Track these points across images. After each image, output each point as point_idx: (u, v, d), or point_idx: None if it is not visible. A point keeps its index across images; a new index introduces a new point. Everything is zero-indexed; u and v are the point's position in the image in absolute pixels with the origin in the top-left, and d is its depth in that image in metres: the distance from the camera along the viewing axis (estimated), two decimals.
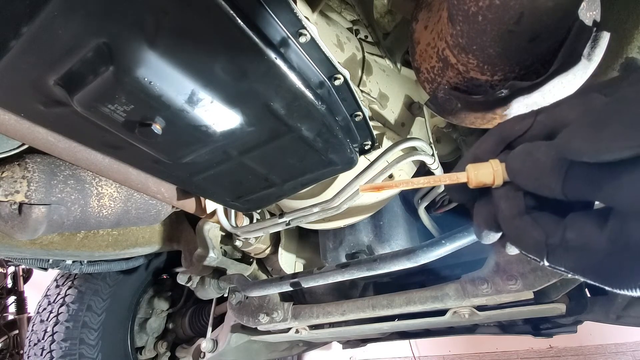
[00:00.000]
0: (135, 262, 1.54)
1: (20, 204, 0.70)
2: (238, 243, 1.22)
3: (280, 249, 1.27)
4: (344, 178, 0.90)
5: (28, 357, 1.54)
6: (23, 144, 0.71)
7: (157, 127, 0.53)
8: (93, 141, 0.65)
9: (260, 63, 0.48)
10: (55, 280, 1.70)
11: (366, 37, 1.01)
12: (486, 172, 0.33)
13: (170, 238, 1.33)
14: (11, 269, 3.16)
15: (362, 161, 0.81)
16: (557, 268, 0.28)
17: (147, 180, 0.82)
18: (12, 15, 0.41)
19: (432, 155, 0.82)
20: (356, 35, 0.97)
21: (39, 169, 0.73)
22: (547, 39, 0.50)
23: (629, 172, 0.23)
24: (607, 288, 0.26)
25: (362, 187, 0.37)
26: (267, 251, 1.34)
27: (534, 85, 0.54)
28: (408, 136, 0.95)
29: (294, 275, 0.98)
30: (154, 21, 0.42)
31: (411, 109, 1.00)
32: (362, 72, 0.90)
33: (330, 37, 0.85)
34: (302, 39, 0.48)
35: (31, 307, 3.08)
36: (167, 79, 0.49)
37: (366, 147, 0.73)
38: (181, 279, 1.23)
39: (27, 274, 3.25)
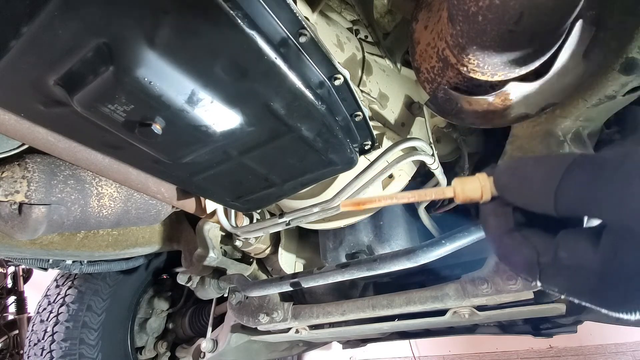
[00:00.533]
0: (135, 262, 1.54)
1: (20, 204, 0.70)
2: (238, 243, 1.22)
3: (280, 249, 1.27)
4: (344, 178, 0.90)
5: (28, 357, 1.54)
6: (23, 144, 0.71)
7: (157, 127, 0.53)
8: (93, 141, 0.65)
9: (260, 63, 0.48)
10: (55, 280, 1.70)
11: (366, 37, 1.01)
12: (473, 187, 0.31)
13: (170, 238, 1.33)
14: (11, 269, 3.16)
15: (362, 161, 0.81)
16: (550, 289, 0.27)
17: (147, 180, 0.82)
18: (12, 15, 0.41)
19: (432, 155, 0.82)
20: (356, 35, 0.97)
21: (39, 169, 0.73)
22: (547, 39, 0.50)
23: (627, 185, 0.22)
24: (603, 311, 0.24)
25: (343, 203, 0.35)
26: (267, 251, 1.34)
27: (534, 86, 0.54)
28: (408, 136, 0.95)
29: (294, 275, 0.98)
30: (154, 21, 0.42)
31: (411, 109, 1.00)
32: (362, 72, 0.90)
33: (330, 37, 0.85)
34: (302, 39, 0.48)
35: (31, 307, 3.08)
36: (167, 79, 0.49)
37: (366, 147, 0.73)
38: (181, 279, 1.23)
39: (27, 274, 3.25)
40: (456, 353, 3.28)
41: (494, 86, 0.60)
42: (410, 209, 1.15)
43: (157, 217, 1.00)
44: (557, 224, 0.27)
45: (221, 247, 1.26)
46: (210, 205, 1.00)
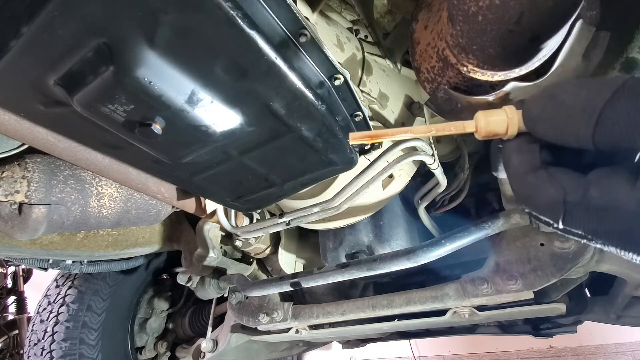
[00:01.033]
0: (135, 262, 1.54)
1: (20, 204, 0.70)
2: (238, 243, 1.22)
3: (280, 249, 1.27)
4: (344, 178, 0.90)
5: (28, 357, 1.54)
6: (23, 144, 0.71)
7: (157, 127, 0.53)
8: (93, 141, 0.65)
9: (260, 63, 0.48)
10: (55, 280, 1.70)
11: (366, 37, 1.01)
12: (498, 120, 0.28)
13: (170, 238, 1.33)
14: (11, 269, 3.16)
15: (362, 161, 0.81)
16: (573, 232, 0.24)
17: (147, 180, 0.82)
18: (12, 15, 0.41)
19: (432, 155, 0.82)
20: (356, 35, 0.97)
21: (39, 169, 0.73)
22: (547, 39, 0.50)
23: None
24: (629, 255, 0.22)
25: (352, 136, 0.31)
26: (267, 251, 1.34)
27: (534, 86, 0.54)
28: None
29: (294, 275, 0.98)
30: (153, 21, 0.42)
31: (411, 109, 1.00)
32: (362, 72, 0.90)
33: (330, 37, 0.85)
34: (302, 39, 0.48)
35: (31, 307, 3.08)
36: (167, 79, 0.49)
37: (366, 147, 0.73)
38: (181, 279, 1.23)
39: (27, 274, 3.26)
40: (456, 353, 3.28)
41: (494, 86, 0.60)
42: (410, 209, 1.15)
43: (157, 217, 1.00)
44: (588, 166, 0.25)
45: (221, 247, 1.26)
46: (210, 205, 1.00)
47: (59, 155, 0.68)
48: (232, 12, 0.42)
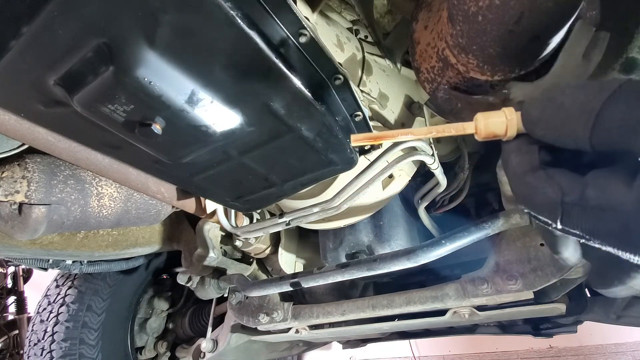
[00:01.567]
0: (135, 262, 1.54)
1: (20, 204, 0.70)
2: (238, 243, 1.22)
3: (280, 249, 1.27)
4: (344, 178, 0.90)
5: (28, 357, 1.54)
6: (23, 144, 0.71)
7: (157, 127, 0.53)
8: (93, 141, 0.65)
9: (260, 63, 0.48)
10: (55, 280, 1.70)
11: (366, 37, 1.01)
12: (498, 122, 0.28)
13: (170, 238, 1.33)
14: (11, 269, 3.16)
15: (362, 161, 0.81)
16: (571, 232, 0.24)
17: (147, 180, 0.82)
18: (12, 15, 0.41)
19: (432, 155, 0.82)
20: (356, 35, 0.97)
21: (39, 169, 0.73)
22: (547, 39, 0.50)
23: None
24: (626, 255, 0.22)
25: (354, 138, 0.32)
26: (267, 251, 1.34)
27: (534, 86, 0.54)
28: None
29: (294, 275, 0.98)
30: (153, 21, 0.42)
31: (411, 109, 1.00)
32: (362, 72, 0.90)
33: (330, 37, 0.85)
34: (302, 39, 0.48)
35: (31, 307, 3.08)
36: (167, 79, 0.49)
37: (366, 147, 0.73)
38: (181, 279, 1.23)
39: (27, 274, 3.26)
40: (456, 353, 3.28)
41: (494, 86, 0.60)
42: (410, 209, 1.15)
43: (157, 217, 1.00)
44: (586, 167, 0.25)
45: (221, 247, 1.26)
46: (210, 205, 1.00)
47: (59, 155, 0.68)
48: (232, 12, 0.42)
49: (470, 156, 1.12)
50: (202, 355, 1.39)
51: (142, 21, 0.42)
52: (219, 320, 1.44)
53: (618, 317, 1.13)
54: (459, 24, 0.54)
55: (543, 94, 0.27)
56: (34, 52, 0.45)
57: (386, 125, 0.92)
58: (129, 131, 0.55)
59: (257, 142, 0.64)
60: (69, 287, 1.60)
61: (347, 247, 1.09)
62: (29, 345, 1.55)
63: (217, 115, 0.56)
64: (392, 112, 0.94)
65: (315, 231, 1.20)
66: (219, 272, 1.26)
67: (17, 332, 3.05)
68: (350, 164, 0.74)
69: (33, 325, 1.59)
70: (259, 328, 1.19)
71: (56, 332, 1.50)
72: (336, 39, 0.86)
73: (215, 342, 1.35)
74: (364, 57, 0.91)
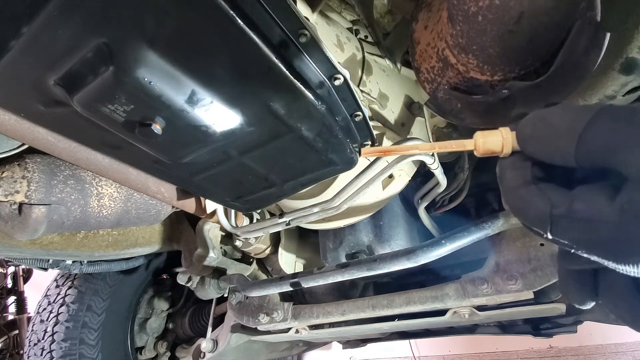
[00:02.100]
0: (135, 262, 1.54)
1: (20, 204, 0.70)
2: (238, 243, 1.22)
3: (280, 249, 1.27)
4: (344, 178, 0.90)
5: (28, 357, 1.54)
6: (23, 144, 0.71)
7: (157, 127, 0.53)
8: (93, 141, 0.65)
9: (260, 63, 0.48)
10: (55, 280, 1.70)
11: (366, 37, 1.01)
12: (495, 140, 0.31)
13: (170, 238, 1.33)
14: (11, 269, 3.16)
15: (362, 161, 0.81)
16: (560, 241, 0.26)
17: (147, 180, 0.82)
18: (12, 15, 0.41)
19: (432, 155, 0.82)
20: (356, 35, 0.97)
21: (39, 169, 0.73)
22: (547, 39, 0.50)
23: None
24: (611, 264, 0.24)
25: (364, 151, 0.36)
26: (267, 251, 1.34)
27: (534, 85, 0.54)
28: (408, 136, 0.95)
29: (294, 275, 0.98)
30: (154, 21, 0.42)
31: (411, 109, 1.00)
32: (362, 72, 0.90)
33: (330, 37, 0.85)
34: (302, 39, 0.48)
35: (31, 307, 3.08)
36: (167, 79, 0.49)
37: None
38: (181, 279, 1.23)
39: (27, 274, 3.26)
40: (456, 353, 3.28)
41: (494, 86, 0.60)
42: (410, 209, 1.15)
43: (157, 217, 1.00)
44: (575, 182, 0.27)
45: (221, 247, 1.26)
46: (210, 205, 1.00)
47: (59, 155, 0.68)
48: (232, 12, 0.42)
49: (470, 156, 1.12)
50: (202, 355, 1.39)
51: (142, 21, 0.42)
52: (219, 320, 1.44)
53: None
54: (459, 24, 0.54)
55: (535, 115, 0.29)
56: (34, 52, 0.45)
57: (386, 125, 0.92)
58: (129, 131, 0.55)
59: (257, 142, 0.64)
60: (69, 287, 1.60)
61: (347, 247, 1.09)
62: (29, 345, 1.55)
63: (217, 115, 0.56)
64: (392, 112, 0.94)
65: (315, 231, 1.20)
66: (219, 272, 1.26)
67: (17, 332, 3.05)
68: (350, 164, 0.74)
69: (33, 325, 1.59)
70: (259, 328, 1.19)
71: (56, 332, 1.50)
72: (336, 39, 0.86)
73: (215, 342, 1.35)
74: (364, 57, 0.91)
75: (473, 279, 0.85)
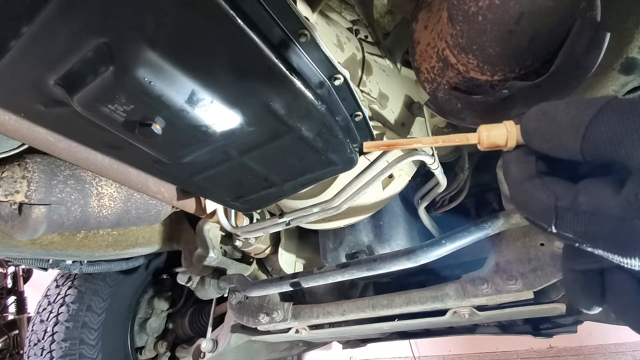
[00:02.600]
0: (135, 262, 1.54)
1: (20, 204, 0.70)
2: (238, 243, 1.22)
3: (280, 249, 1.27)
4: (344, 178, 0.90)
5: (28, 357, 1.54)
6: (23, 144, 0.71)
7: (157, 127, 0.53)
8: (93, 141, 0.65)
9: (260, 63, 0.48)
10: (55, 280, 1.70)
11: (366, 37, 1.01)
12: (499, 134, 0.31)
13: (170, 238, 1.33)
14: (11, 269, 3.16)
15: (362, 161, 0.81)
16: (564, 235, 0.26)
17: (147, 180, 0.82)
18: (12, 15, 0.41)
19: (432, 155, 0.82)
20: (356, 35, 0.97)
21: (39, 169, 0.73)
22: (547, 39, 0.50)
23: None
24: (616, 258, 0.24)
25: (366, 145, 0.35)
26: (267, 251, 1.34)
27: (534, 85, 0.54)
28: (408, 136, 0.95)
29: (294, 275, 0.98)
30: (154, 21, 0.42)
31: (411, 109, 1.00)
32: (362, 72, 0.89)
33: (330, 37, 0.85)
34: (302, 39, 0.48)
35: (31, 307, 3.08)
36: (167, 79, 0.49)
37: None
38: (181, 279, 1.23)
39: (27, 274, 3.26)
40: (456, 353, 3.28)
41: (494, 86, 0.60)
42: (410, 209, 1.15)
43: (157, 217, 1.00)
44: (580, 176, 0.27)
45: (221, 247, 1.26)
46: (210, 205, 1.00)
47: (59, 155, 0.68)
48: (232, 12, 0.42)
49: (470, 156, 1.12)
50: (202, 355, 1.39)
51: (142, 21, 0.42)
52: (219, 320, 1.44)
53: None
54: (459, 24, 0.54)
55: (539, 109, 0.29)
56: (34, 52, 0.45)
57: (386, 125, 0.92)
58: (129, 131, 0.55)
59: (257, 142, 0.64)
60: (69, 287, 1.60)
61: (347, 247, 1.09)
62: (29, 345, 1.55)
63: (217, 115, 0.56)
64: (392, 112, 0.94)
65: (315, 231, 1.20)
66: (219, 272, 1.26)
67: (17, 332, 3.05)
68: (350, 164, 0.74)
69: (33, 325, 1.59)
70: (259, 328, 1.19)
71: (56, 332, 1.50)
72: (336, 39, 0.86)
73: (215, 342, 1.35)
74: (364, 57, 0.91)
75: (473, 279, 0.85)
